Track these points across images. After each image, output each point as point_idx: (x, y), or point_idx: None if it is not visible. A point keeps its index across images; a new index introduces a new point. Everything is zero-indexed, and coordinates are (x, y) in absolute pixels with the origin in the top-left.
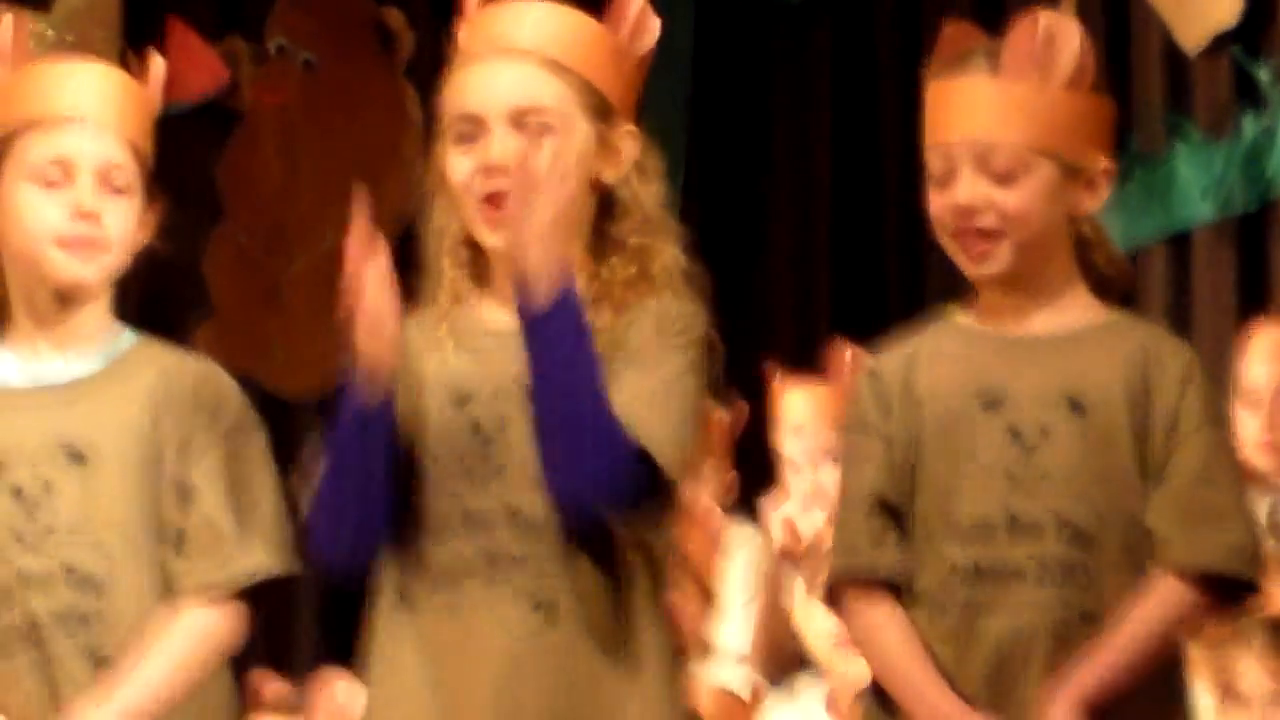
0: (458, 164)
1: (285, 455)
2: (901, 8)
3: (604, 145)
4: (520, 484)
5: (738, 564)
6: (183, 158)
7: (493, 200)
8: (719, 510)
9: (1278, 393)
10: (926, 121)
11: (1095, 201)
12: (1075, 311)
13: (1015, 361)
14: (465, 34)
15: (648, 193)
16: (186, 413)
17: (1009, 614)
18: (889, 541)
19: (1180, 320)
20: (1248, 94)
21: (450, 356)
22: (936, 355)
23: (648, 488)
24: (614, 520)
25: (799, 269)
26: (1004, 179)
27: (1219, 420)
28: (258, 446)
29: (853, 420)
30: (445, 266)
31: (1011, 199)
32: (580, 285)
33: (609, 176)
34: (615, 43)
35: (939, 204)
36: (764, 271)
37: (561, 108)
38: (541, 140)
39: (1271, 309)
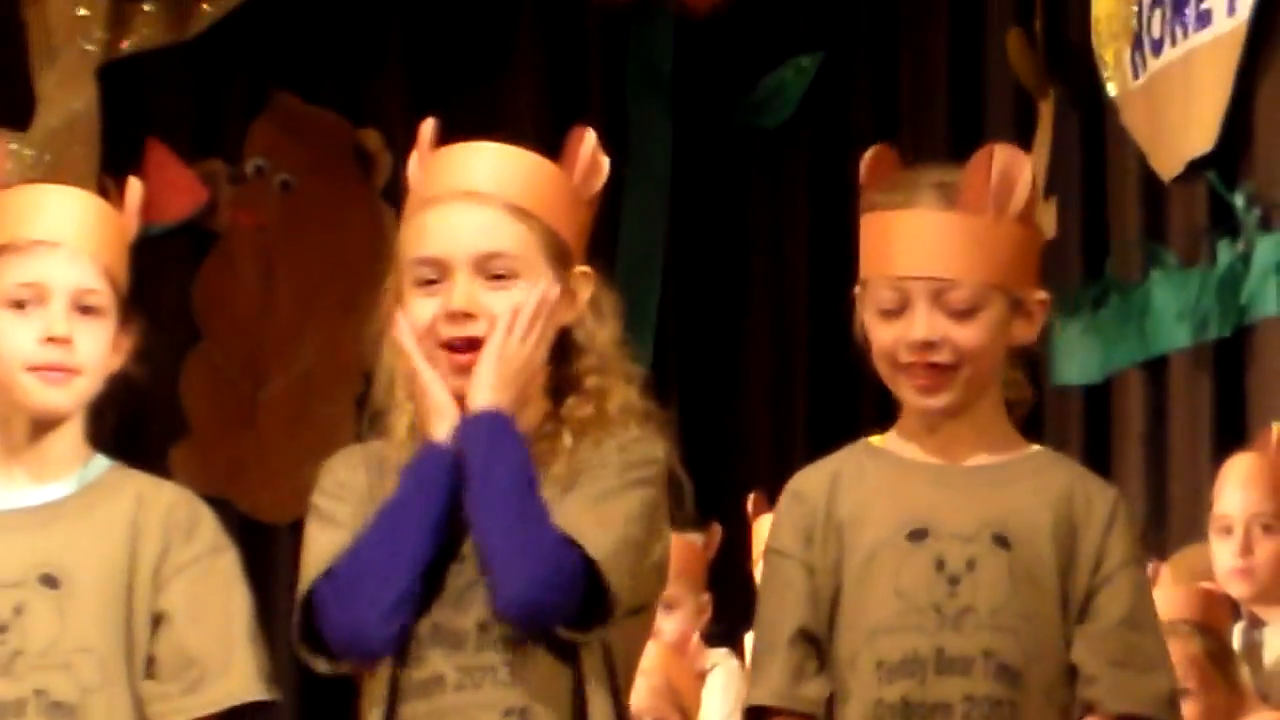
0: (420, 308)
1: (261, 578)
2: (879, 130)
3: (563, 288)
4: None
5: (715, 689)
6: (159, 278)
7: (455, 346)
8: (697, 637)
9: (1252, 519)
10: (868, 251)
11: (1032, 332)
12: (1001, 444)
13: (941, 491)
14: (420, 175)
15: (604, 333)
16: (160, 539)
17: None
18: (809, 674)
19: (1156, 446)
20: (1223, 220)
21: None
22: (860, 479)
23: (590, 600)
24: (558, 629)
25: (776, 396)
26: (961, 315)
27: (1141, 562)
28: (232, 571)
29: (774, 544)
30: (401, 401)
31: (968, 335)
32: (536, 423)
33: (566, 318)
34: (570, 185)
35: (888, 336)
36: (741, 398)
37: (525, 253)
38: (506, 285)
39: (1247, 436)
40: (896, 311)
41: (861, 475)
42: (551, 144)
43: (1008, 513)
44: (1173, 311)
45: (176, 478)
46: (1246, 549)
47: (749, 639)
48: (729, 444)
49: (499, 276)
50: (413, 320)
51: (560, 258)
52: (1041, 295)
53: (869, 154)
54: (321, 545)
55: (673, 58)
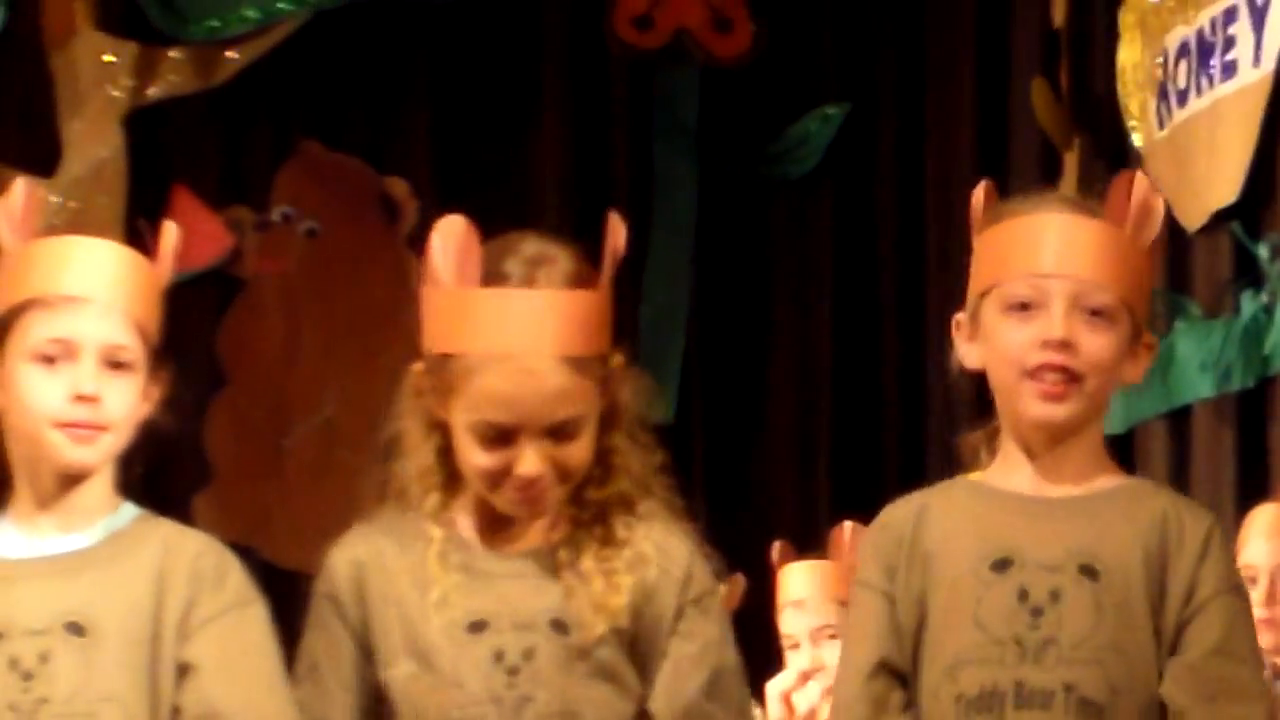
0: (482, 459)
1: (287, 626)
2: (904, 181)
3: None
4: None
5: None
6: (184, 325)
7: (525, 500)
8: None
9: (1278, 570)
10: (996, 258)
11: (1138, 373)
12: (1097, 475)
13: (1028, 521)
14: (460, 314)
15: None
16: (187, 588)
17: None
18: (891, 707)
19: None
20: (1247, 271)
21: (451, 585)
22: (948, 511)
23: None
24: None
25: (800, 445)
26: (1095, 324)
27: (1238, 589)
28: (259, 621)
29: (860, 576)
30: (430, 481)
31: (1101, 344)
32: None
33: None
34: (604, 301)
35: (1019, 336)
36: (765, 448)
37: (589, 406)
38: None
39: (1270, 487)
40: (1032, 311)
41: (950, 506)
42: (576, 191)
43: (1096, 542)
44: (1196, 362)
45: (200, 525)
46: (1272, 599)
47: (770, 687)
48: (752, 494)
49: None
50: (477, 468)
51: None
52: (1152, 339)
53: (980, 186)
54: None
55: (698, 106)
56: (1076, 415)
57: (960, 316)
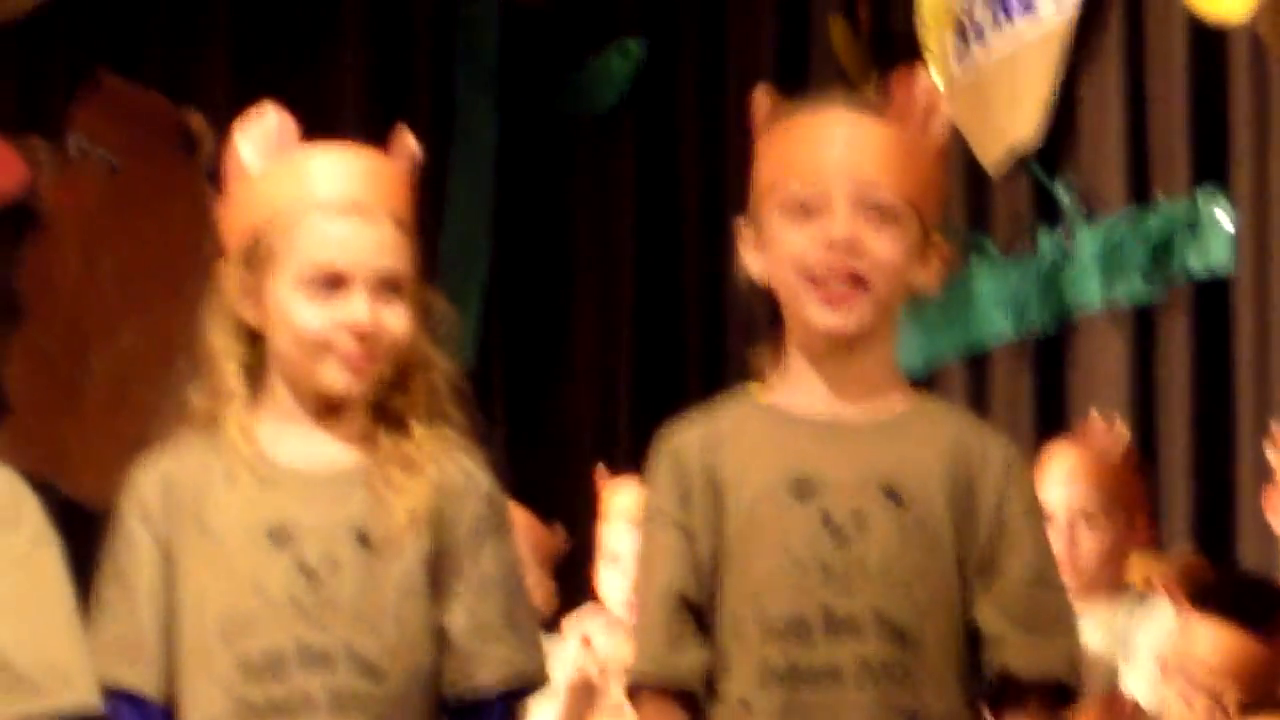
0: (311, 316)
1: (85, 560)
2: (705, 116)
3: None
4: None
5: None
6: None
7: (351, 361)
8: None
9: (1076, 513)
10: (777, 159)
11: (931, 280)
12: (890, 394)
13: (828, 447)
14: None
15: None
16: None
17: (828, 717)
18: (689, 644)
19: None
20: (1045, 210)
21: (253, 495)
22: (741, 437)
23: None
24: None
25: (601, 380)
26: (881, 223)
27: (1043, 514)
28: (53, 562)
29: (651, 508)
30: (228, 393)
31: (886, 246)
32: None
33: None
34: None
35: (801, 239)
36: (566, 383)
37: (410, 273)
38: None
39: (1068, 428)
40: (814, 212)
41: (742, 432)
42: (376, 124)
43: (897, 466)
44: (994, 301)
45: None
46: (1070, 541)
47: (568, 625)
48: (554, 428)
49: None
50: (305, 325)
51: None
52: (943, 244)
53: (762, 94)
54: (107, 628)
55: (498, 41)
56: (864, 323)
57: (743, 222)
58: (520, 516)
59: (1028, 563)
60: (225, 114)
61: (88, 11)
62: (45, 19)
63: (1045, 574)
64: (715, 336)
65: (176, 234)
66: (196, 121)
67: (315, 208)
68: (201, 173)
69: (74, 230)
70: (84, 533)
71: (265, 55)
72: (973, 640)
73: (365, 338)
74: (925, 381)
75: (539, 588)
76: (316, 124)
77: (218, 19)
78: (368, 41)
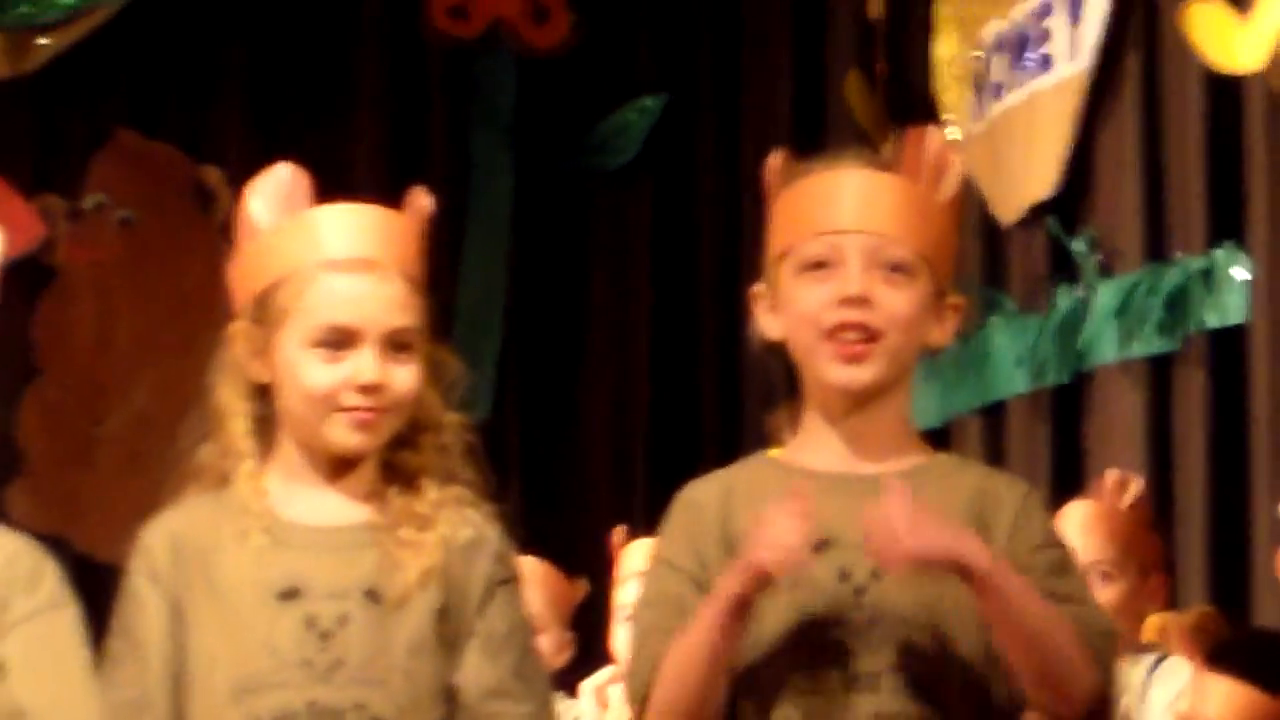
0: (321, 375)
1: (99, 618)
2: (722, 173)
3: None
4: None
5: None
6: None
7: (360, 420)
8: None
9: (1090, 567)
10: (791, 219)
11: (946, 336)
12: (907, 450)
13: (846, 502)
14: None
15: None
16: (1, 590)
17: None
18: None
19: None
20: (1063, 266)
21: (263, 552)
22: (757, 493)
23: None
24: None
25: (617, 437)
26: (894, 279)
27: (1058, 543)
28: (71, 623)
29: (664, 553)
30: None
31: (900, 300)
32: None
33: None
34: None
35: (815, 296)
36: (582, 440)
37: (421, 330)
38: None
39: (1085, 483)
40: (829, 270)
41: (755, 487)
42: (393, 181)
43: None
44: (1011, 357)
45: (12, 515)
46: None
47: (585, 683)
48: (570, 486)
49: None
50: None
51: None
52: (958, 300)
53: (775, 157)
54: (117, 689)
55: (515, 97)
56: (879, 378)
57: (759, 286)
58: (539, 569)
59: (1037, 575)
60: (241, 171)
61: (105, 68)
62: (63, 75)
63: (1059, 573)
64: (731, 394)
65: (192, 290)
66: (212, 177)
67: (325, 265)
68: (217, 229)
69: (90, 286)
70: (98, 588)
71: (282, 113)
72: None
73: (373, 395)
74: (942, 435)
75: (558, 640)
76: (333, 182)
77: (235, 77)
78: (384, 99)
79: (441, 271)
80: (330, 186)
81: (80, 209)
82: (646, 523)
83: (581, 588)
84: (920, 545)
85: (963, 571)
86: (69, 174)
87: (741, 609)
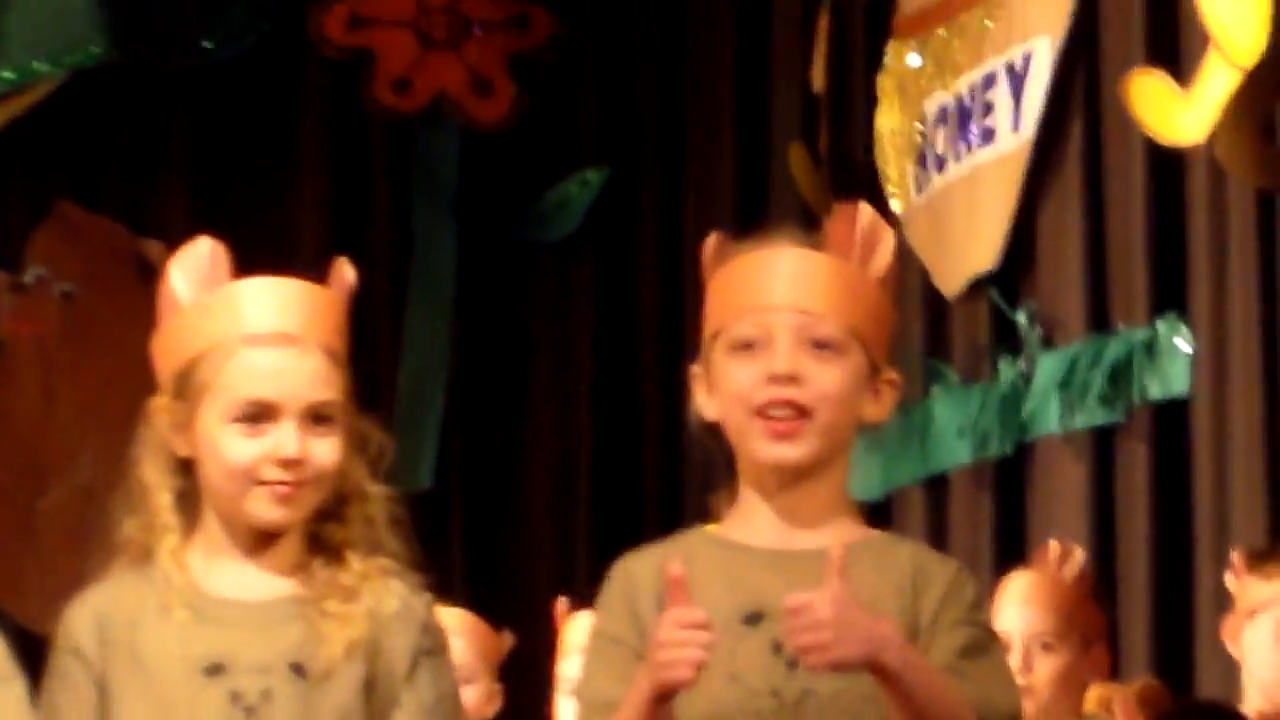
0: (241, 449)
1: (39, 690)
2: (664, 245)
3: None
4: None
5: None
6: None
7: (281, 494)
8: None
9: (1032, 638)
10: (724, 299)
11: (881, 412)
12: (841, 526)
13: (779, 577)
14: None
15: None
16: None
17: None
18: None
19: None
20: (1005, 338)
21: (187, 628)
22: (693, 566)
23: None
24: None
25: (558, 510)
26: (823, 356)
27: (981, 623)
28: (17, 699)
29: (598, 629)
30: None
31: (829, 376)
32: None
33: None
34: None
35: (745, 375)
36: (523, 512)
37: (343, 404)
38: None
39: (1028, 554)
40: (758, 348)
41: (694, 561)
42: (335, 253)
43: (855, 595)
44: (954, 429)
45: None
46: (1026, 667)
47: None
48: (511, 557)
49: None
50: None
51: None
52: (894, 375)
53: (710, 239)
54: None
55: (458, 170)
56: (810, 455)
57: (696, 367)
58: (467, 620)
59: (954, 647)
60: (183, 244)
61: (46, 141)
62: (3, 148)
63: (972, 654)
64: (673, 463)
65: (134, 364)
66: (154, 251)
67: (245, 340)
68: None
69: (31, 360)
70: (40, 661)
71: (224, 186)
72: None
73: (294, 469)
74: (884, 507)
75: (486, 691)
76: (275, 254)
77: (177, 150)
78: (327, 172)
79: (384, 341)
80: (273, 259)
81: (21, 282)
82: (589, 593)
83: (508, 639)
84: (842, 654)
85: (876, 669)
86: (10, 247)
87: (662, 704)
